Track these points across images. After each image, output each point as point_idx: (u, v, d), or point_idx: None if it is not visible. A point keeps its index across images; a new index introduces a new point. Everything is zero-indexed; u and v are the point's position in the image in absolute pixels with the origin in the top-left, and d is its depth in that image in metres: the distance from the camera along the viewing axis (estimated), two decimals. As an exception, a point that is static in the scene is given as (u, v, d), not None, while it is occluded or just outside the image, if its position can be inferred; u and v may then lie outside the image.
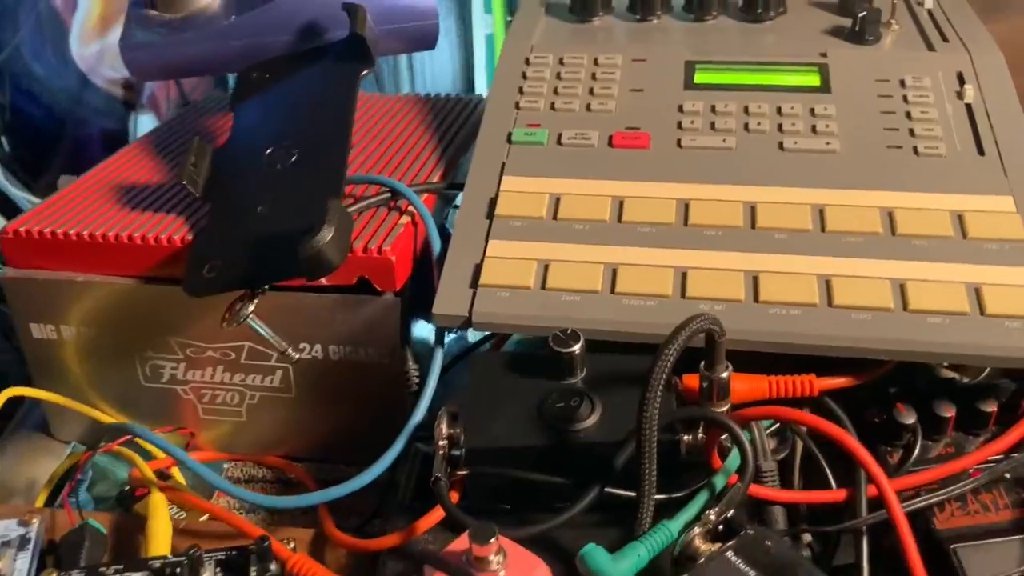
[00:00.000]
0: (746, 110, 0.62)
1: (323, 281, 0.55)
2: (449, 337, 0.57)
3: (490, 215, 0.58)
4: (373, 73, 0.63)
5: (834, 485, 0.47)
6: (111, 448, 0.56)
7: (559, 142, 0.62)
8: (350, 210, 0.58)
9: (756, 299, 0.51)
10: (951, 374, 0.52)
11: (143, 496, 0.53)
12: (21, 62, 0.94)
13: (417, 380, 0.58)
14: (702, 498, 0.43)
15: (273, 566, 0.45)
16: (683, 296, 0.52)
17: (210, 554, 0.46)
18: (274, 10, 0.66)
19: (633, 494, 0.42)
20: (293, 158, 0.59)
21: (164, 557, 0.46)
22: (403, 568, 0.44)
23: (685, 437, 0.45)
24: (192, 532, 0.51)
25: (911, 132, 0.59)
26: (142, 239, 0.58)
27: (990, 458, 0.48)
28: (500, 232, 0.57)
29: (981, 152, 0.58)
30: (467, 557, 0.39)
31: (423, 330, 0.61)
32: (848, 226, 0.54)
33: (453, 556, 0.40)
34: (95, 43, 1.00)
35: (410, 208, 0.60)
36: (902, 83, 0.62)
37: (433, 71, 1.17)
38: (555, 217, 0.57)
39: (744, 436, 0.43)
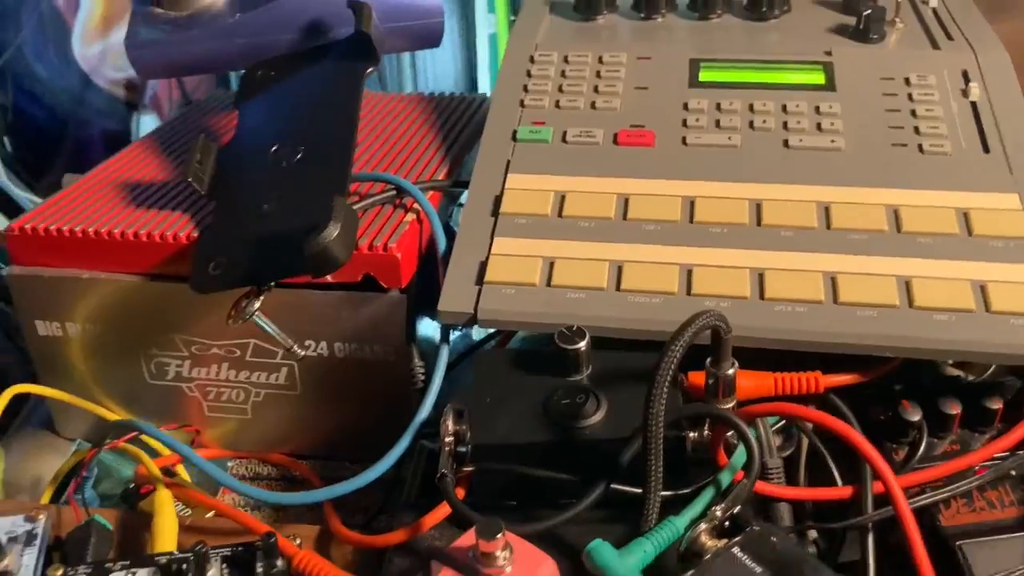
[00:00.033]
0: (751, 108, 0.62)
1: (329, 278, 0.56)
2: (454, 335, 0.56)
3: (495, 212, 0.58)
4: (376, 72, 0.63)
5: (840, 482, 0.47)
6: (116, 445, 0.56)
7: (564, 140, 0.62)
8: (355, 207, 0.58)
9: (762, 296, 0.51)
10: (956, 371, 0.52)
11: (149, 493, 0.53)
12: (23, 62, 0.94)
13: (423, 377, 0.57)
14: (708, 494, 0.43)
15: (279, 562, 0.45)
16: (689, 293, 0.52)
17: (216, 550, 0.45)
18: (279, 8, 0.66)
19: (639, 490, 0.42)
20: (298, 156, 0.59)
21: (170, 553, 0.46)
22: (409, 564, 0.44)
23: (691, 434, 0.45)
24: (198, 528, 0.51)
25: (916, 130, 0.59)
26: (147, 236, 0.58)
27: (996, 455, 0.48)
28: (505, 229, 0.57)
29: (986, 150, 0.58)
30: (473, 553, 0.39)
31: (428, 327, 0.61)
32: (853, 223, 0.54)
33: (459, 552, 0.40)
34: (97, 43, 1.00)
35: (415, 206, 0.60)
36: (907, 81, 0.62)
37: (436, 71, 1.16)
38: (560, 214, 0.57)
39: (750, 433, 0.43)
